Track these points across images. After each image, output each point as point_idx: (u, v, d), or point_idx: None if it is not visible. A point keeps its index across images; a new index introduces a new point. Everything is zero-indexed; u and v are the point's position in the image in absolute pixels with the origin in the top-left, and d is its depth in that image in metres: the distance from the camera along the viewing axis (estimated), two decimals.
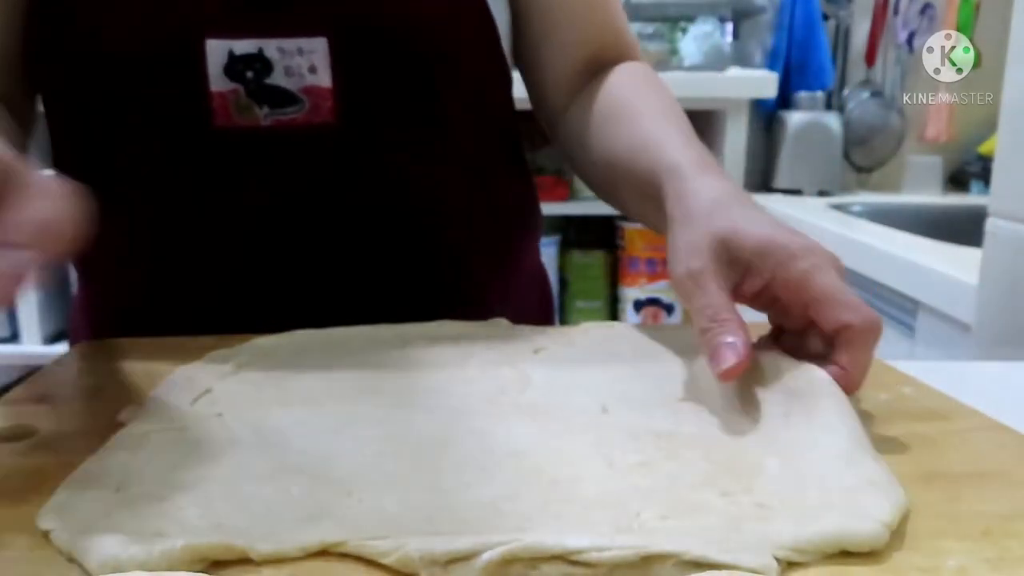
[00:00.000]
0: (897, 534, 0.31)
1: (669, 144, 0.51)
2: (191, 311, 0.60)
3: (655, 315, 1.99)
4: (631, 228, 1.96)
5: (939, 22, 1.96)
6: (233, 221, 0.57)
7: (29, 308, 1.82)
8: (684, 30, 2.00)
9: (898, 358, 0.52)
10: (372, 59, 0.55)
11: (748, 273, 0.43)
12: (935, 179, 2.02)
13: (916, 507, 0.33)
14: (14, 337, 1.85)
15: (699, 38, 1.96)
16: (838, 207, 1.78)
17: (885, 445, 0.39)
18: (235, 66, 0.54)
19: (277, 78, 0.54)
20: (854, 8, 2.00)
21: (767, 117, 2.03)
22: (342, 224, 0.59)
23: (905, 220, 1.60)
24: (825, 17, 1.99)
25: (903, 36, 1.98)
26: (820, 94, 1.95)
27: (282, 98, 0.55)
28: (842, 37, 2.03)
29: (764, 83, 1.88)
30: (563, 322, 1.53)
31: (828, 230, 1.53)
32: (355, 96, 0.56)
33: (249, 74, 0.54)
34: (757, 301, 0.45)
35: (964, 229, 1.41)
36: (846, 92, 2.03)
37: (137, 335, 0.56)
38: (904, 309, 1.25)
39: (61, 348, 1.79)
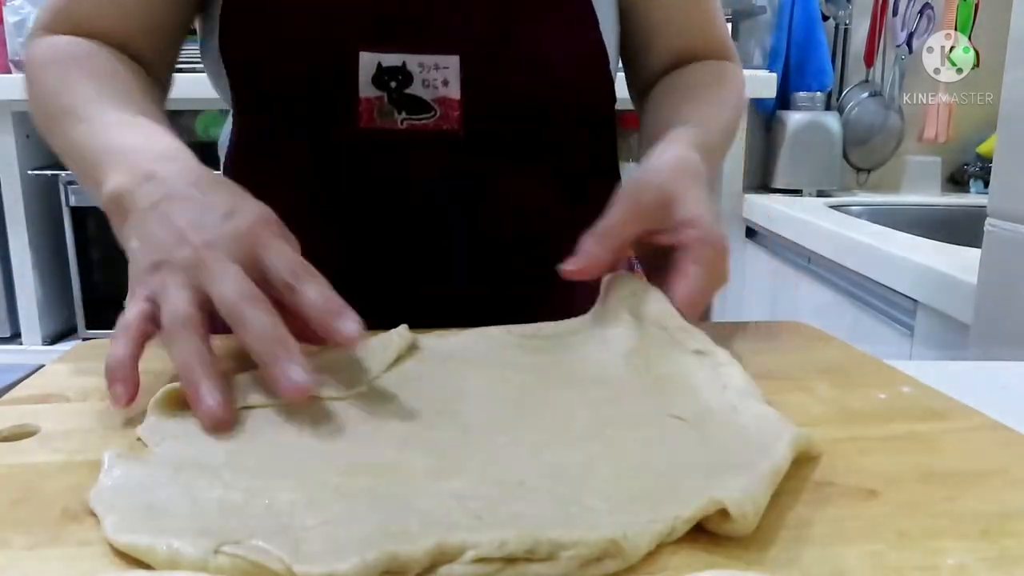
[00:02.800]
0: (896, 533, 0.31)
1: (684, 122, 0.61)
2: None
3: None
4: None
5: (938, 22, 1.96)
6: (365, 208, 0.66)
7: (29, 308, 1.82)
8: None
9: (897, 358, 0.53)
10: (497, 77, 0.63)
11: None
12: (934, 179, 2.02)
13: (915, 506, 0.33)
14: (14, 337, 1.85)
15: None
16: (837, 207, 1.79)
17: (884, 445, 0.39)
18: (382, 76, 0.62)
19: (416, 88, 0.62)
20: (853, 8, 2.00)
21: (766, 117, 2.03)
22: (456, 216, 0.66)
23: (904, 220, 1.60)
24: (824, 17, 1.99)
25: (902, 36, 1.99)
26: (819, 94, 1.95)
27: (418, 106, 0.63)
28: (841, 37, 2.03)
29: (763, 83, 1.88)
30: None
31: (827, 230, 1.53)
32: (479, 108, 0.63)
33: (392, 84, 0.62)
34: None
35: (963, 229, 1.41)
36: (845, 92, 2.03)
37: None
38: (903, 309, 1.25)
39: (61, 348, 1.79)
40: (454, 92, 0.62)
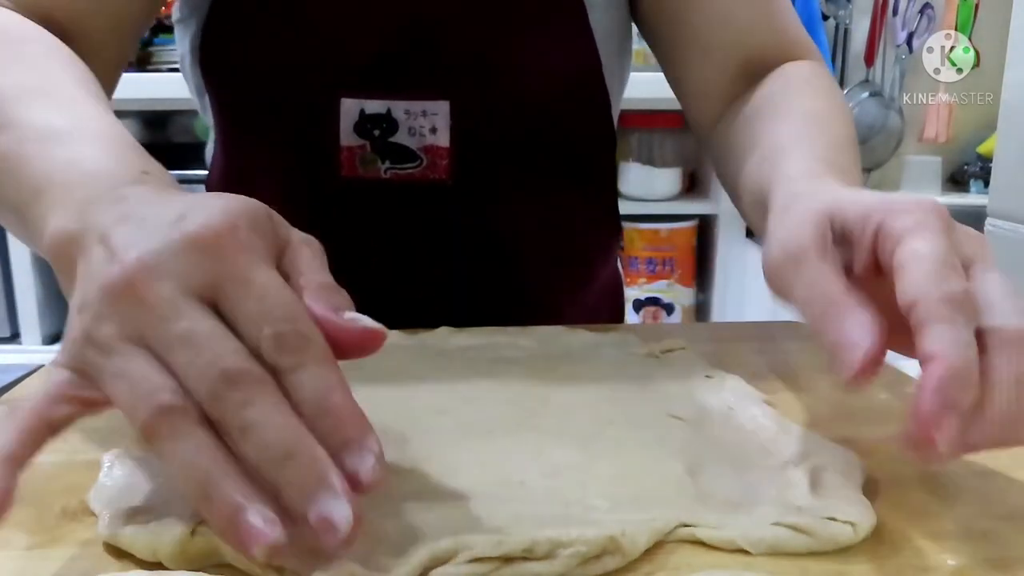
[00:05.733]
0: (897, 534, 0.31)
1: (792, 154, 0.44)
2: None
3: (655, 315, 1.99)
4: (631, 228, 1.96)
5: (938, 22, 1.96)
6: (349, 256, 0.63)
7: (29, 308, 1.82)
8: None
9: (898, 358, 0.52)
10: (489, 124, 0.59)
11: (855, 250, 0.33)
12: (934, 179, 2.02)
13: (915, 507, 0.33)
14: (14, 337, 1.85)
15: None
16: None
17: (885, 445, 0.39)
18: (364, 124, 0.58)
19: (400, 137, 0.59)
20: (853, 8, 2.00)
21: None
22: (446, 265, 0.63)
23: None
24: (825, 17, 1.99)
25: (902, 36, 1.99)
26: None
27: (403, 155, 0.59)
28: (841, 37, 2.03)
29: None
30: None
31: None
32: (470, 156, 0.60)
33: (376, 132, 0.59)
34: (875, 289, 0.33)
35: None
36: (845, 92, 2.03)
37: None
38: None
39: None
40: (443, 140, 0.59)
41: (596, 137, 0.64)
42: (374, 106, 0.58)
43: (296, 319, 0.27)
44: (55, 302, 1.87)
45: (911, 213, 0.32)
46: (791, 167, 0.42)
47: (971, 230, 0.33)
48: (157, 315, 0.26)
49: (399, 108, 0.58)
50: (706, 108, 0.60)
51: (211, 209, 0.28)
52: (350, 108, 0.58)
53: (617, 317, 0.76)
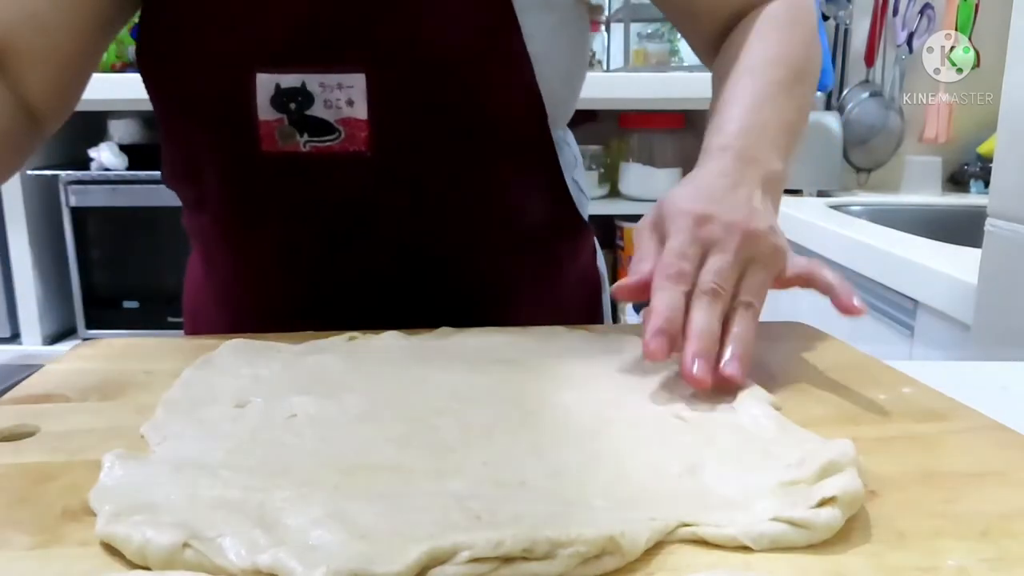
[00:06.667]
0: (896, 534, 0.31)
1: (715, 122, 0.58)
2: (236, 307, 0.68)
3: None
4: (631, 228, 1.96)
5: (938, 22, 1.96)
6: (278, 231, 0.64)
7: (29, 308, 1.82)
8: None
9: (897, 358, 0.53)
10: (406, 95, 0.59)
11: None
12: (934, 179, 2.02)
13: (915, 507, 0.33)
14: (14, 337, 1.85)
15: None
16: (837, 207, 1.78)
17: (884, 445, 0.39)
18: (280, 98, 0.59)
19: (317, 110, 0.59)
20: (854, 8, 2.00)
21: None
22: (375, 238, 0.63)
23: (904, 220, 1.60)
24: (825, 17, 1.99)
25: (902, 36, 1.99)
26: (819, 94, 1.95)
27: (321, 128, 0.60)
28: (841, 37, 2.03)
29: None
30: None
31: (828, 230, 1.53)
32: (389, 128, 0.60)
33: (292, 106, 0.59)
34: None
35: (963, 229, 1.41)
36: (845, 92, 2.03)
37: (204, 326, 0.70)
38: (903, 309, 1.25)
39: (61, 348, 1.79)
40: (360, 112, 0.59)
41: (520, 106, 0.62)
42: (289, 80, 0.58)
43: None
44: (55, 302, 1.87)
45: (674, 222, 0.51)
46: (705, 142, 0.57)
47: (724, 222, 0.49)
48: None
49: (314, 81, 0.58)
50: (702, 50, 0.69)
51: None
52: (265, 82, 0.58)
53: (592, 320, 0.75)
